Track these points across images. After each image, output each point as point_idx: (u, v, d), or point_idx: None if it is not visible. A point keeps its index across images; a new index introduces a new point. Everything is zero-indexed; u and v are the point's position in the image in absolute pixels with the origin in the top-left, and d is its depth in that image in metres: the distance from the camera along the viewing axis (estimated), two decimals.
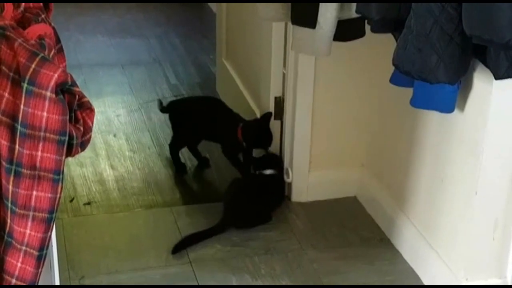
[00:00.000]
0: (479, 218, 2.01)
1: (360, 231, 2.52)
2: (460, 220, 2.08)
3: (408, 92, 2.00)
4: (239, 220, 2.52)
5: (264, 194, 2.60)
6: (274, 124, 2.73)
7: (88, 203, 2.65)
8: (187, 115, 2.87)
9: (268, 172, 2.65)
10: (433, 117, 2.13)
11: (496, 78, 1.72)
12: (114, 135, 3.13)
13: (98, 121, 3.16)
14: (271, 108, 2.73)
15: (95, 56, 3.95)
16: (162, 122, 3.18)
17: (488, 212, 2.01)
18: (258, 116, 2.84)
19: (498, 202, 1.99)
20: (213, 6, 4.28)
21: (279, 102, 2.71)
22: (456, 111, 1.96)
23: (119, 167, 2.90)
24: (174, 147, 2.89)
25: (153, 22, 4.41)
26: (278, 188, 2.68)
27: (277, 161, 2.69)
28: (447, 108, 1.93)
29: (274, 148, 2.75)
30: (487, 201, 1.99)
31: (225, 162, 2.89)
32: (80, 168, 2.86)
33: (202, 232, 2.44)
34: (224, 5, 3.27)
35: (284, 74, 2.66)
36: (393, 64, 1.82)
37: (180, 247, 2.38)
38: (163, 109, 2.93)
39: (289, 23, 2.19)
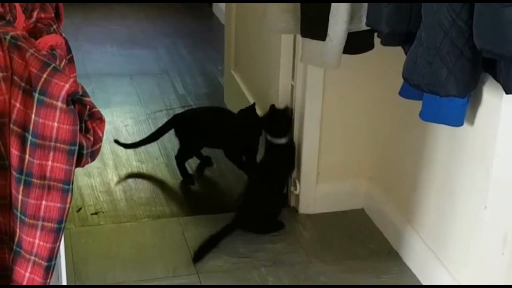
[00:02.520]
0: (488, 233, 2.00)
1: (368, 244, 2.51)
2: (469, 234, 2.07)
3: (417, 105, 2.00)
4: (251, 227, 2.52)
5: (276, 172, 2.60)
6: None
7: (96, 213, 2.65)
8: (192, 126, 2.88)
9: (281, 141, 2.58)
10: (442, 130, 2.12)
11: (506, 93, 1.71)
12: None
13: (106, 131, 3.11)
14: None
15: (103, 66, 3.96)
16: (170, 133, 3.16)
17: (498, 227, 2.00)
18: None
19: (507, 216, 1.98)
20: (221, 17, 4.29)
21: None
22: (465, 125, 1.96)
23: (127, 177, 2.90)
24: (181, 158, 2.90)
25: (162, 33, 4.43)
26: (290, 160, 2.63)
27: (287, 123, 2.60)
28: (457, 121, 1.93)
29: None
30: (497, 215, 1.98)
31: (233, 173, 2.89)
32: (87, 178, 2.86)
33: (217, 234, 2.43)
34: (232, 16, 3.28)
35: (292, 86, 2.66)
36: (403, 77, 1.82)
37: (200, 255, 2.38)
38: (123, 145, 2.99)
39: (298, 35, 2.19)
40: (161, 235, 2.56)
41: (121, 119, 3.34)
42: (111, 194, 2.78)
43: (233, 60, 3.34)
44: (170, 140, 3.10)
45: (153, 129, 3.23)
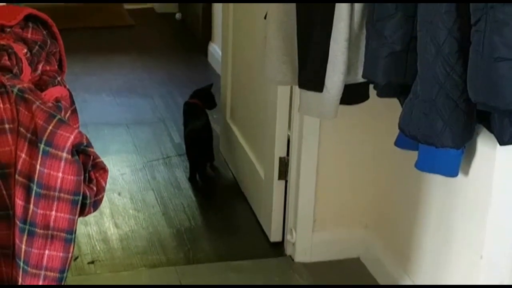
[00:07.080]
0: (484, 283, 2.01)
1: None
2: (465, 284, 2.08)
3: (413, 155, 2.03)
4: None
5: None
6: (278, 184, 2.76)
7: (92, 262, 2.65)
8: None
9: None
10: (437, 180, 2.15)
11: (500, 144, 1.74)
12: (119, 194, 3.14)
13: None
14: (275, 169, 2.75)
15: (100, 115, 3.98)
16: (166, 181, 3.20)
17: (494, 276, 2.01)
18: (263, 176, 2.87)
19: (503, 266, 2.00)
20: (216, 67, 4.35)
21: (284, 162, 2.73)
22: (460, 175, 1.98)
23: (123, 226, 2.90)
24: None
25: (158, 82, 4.47)
26: None
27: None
28: (452, 172, 1.95)
29: (278, 207, 2.77)
30: (493, 265, 2.00)
31: (228, 221, 2.90)
32: (84, 227, 2.86)
33: None
34: (228, 65, 3.33)
35: (289, 136, 2.69)
36: (399, 128, 1.85)
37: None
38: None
39: (295, 86, 2.23)
40: (157, 284, 2.55)
41: (118, 168, 3.35)
42: (108, 242, 2.78)
43: (229, 109, 3.38)
44: (167, 189, 3.12)
45: (149, 178, 3.26)
